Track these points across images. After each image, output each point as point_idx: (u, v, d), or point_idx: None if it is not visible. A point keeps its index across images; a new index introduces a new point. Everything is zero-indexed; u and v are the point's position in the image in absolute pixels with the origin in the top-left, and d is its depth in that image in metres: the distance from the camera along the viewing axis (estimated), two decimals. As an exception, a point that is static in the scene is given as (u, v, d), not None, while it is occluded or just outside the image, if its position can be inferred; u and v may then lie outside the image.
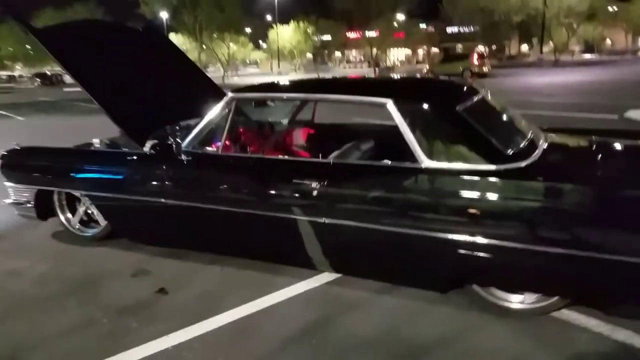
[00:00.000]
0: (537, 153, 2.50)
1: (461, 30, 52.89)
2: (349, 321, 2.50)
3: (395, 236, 2.46)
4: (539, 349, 2.21)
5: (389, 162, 2.62)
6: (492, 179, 2.29)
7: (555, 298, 2.37)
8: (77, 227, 3.81)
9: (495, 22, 40.33)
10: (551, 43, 40.62)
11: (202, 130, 3.10)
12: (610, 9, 44.04)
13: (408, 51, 63.41)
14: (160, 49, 4.71)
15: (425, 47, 60.87)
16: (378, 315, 2.53)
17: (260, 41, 54.89)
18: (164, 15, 31.34)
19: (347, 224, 2.58)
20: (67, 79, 47.24)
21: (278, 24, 49.08)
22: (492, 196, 2.28)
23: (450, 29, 53.99)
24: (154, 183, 3.15)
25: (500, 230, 2.24)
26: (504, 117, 2.94)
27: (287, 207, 2.72)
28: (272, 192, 2.81)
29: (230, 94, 3.12)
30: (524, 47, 58.67)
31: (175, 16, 29.41)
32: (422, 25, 56.35)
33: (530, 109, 10.63)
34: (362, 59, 55.76)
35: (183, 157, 3.08)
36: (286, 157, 3.32)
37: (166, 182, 3.12)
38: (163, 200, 3.11)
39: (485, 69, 25.07)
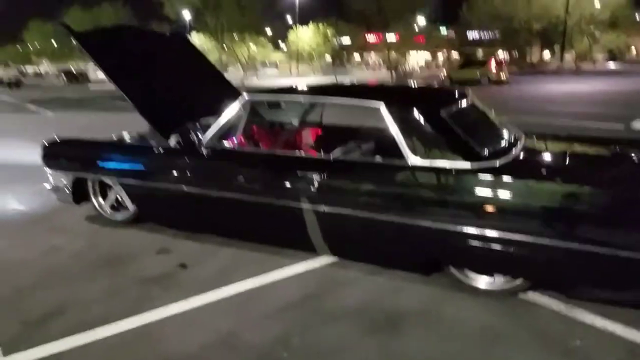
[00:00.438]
0: (512, 154, 2.85)
1: (482, 35, 52.73)
2: (340, 295, 2.89)
3: (384, 223, 2.84)
4: (503, 321, 2.56)
5: (380, 159, 3.02)
6: (468, 175, 2.65)
7: (520, 280, 2.73)
8: (107, 211, 4.28)
9: (515, 29, 40.17)
10: (573, 51, 40.34)
11: (221, 127, 3.51)
12: (633, 17, 43.47)
13: (428, 55, 63.34)
14: (184, 52, 5.18)
15: (445, 51, 60.74)
16: (366, 291, 2.92)
17: (280, 42, 55.58)
18: (186, 15, 32.04)
19: (343, 212, 2.96)
20: (92, 76, 48.60)
21: (298, 26, 49.73)
22: (467, 190, 2.64)
23: (470, 35, 53.86)
24: (178, 173, 3.58)
25: (472, 220, 2.60)
26: (486, 122, 3.31)
27: (292, 196, 3.12)
28: (280, 183, 3.20)
29: (245, 96, 3.54)
30: (546, 55, 58.16)
31: (198, 17, 30.15)
32: (443, 30, 56.34)
33: (541, 116, 10.86)
34: (382, 62, 55.89)
35: (203, 151, 3.51)
36: (293, 153, 3.72)
37: (188, 173, 3.55)
38: (185, 188, 3.54)
39: (503, 76, 24.99)
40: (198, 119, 4.11)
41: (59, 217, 4.45)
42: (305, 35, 49.69)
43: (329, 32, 49.06)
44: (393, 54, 39.47)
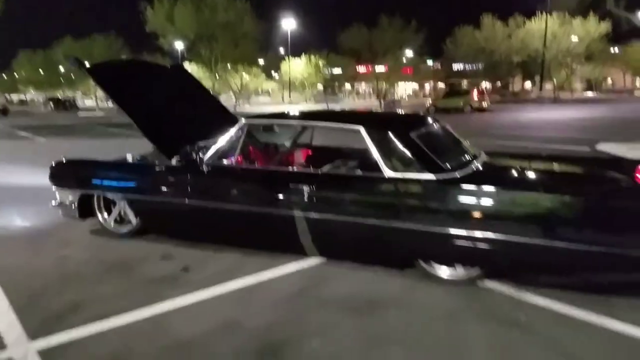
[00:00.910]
0: (472, 167, 3.38)
1: (466, 67, 54.69)
2: (328, 287, 3.32)
3: (365, 226, 3.32)
4: (462, 303, 3.03)
5: (361, 173, 3.52)
6: (433, 185, 3.15)
7: (477, 270, 3.22)
8: (112, 225, 4.65)
9: (497, 61, 41.90)
10: (553, 81, 42.03)
11: (221, 147, 3.97)
12: (608, 50, 45.58)
13: (415, 85, 65.20)
14: (184, 82, 5.69)
15: (432, 82, 62.63)
16: (350, 284, 3.36)
17: (273, 72, 56.91)
18: (179, 46, 32.76)
19: (330, 218, 3.43)
20: (80, 103, 49.02)
21: (290, 57, 51.17)
22: (432, 197, 3.17)
23: (455, 66, 55.83)
24: (181, 188, 4.00)
25: (437, 221, 3.10)
26: (450, 142, 3.88)
27: (285, 206, 3.57)
28: (274, 195, 3.65)
29: (243, 120, 4.02)
30: (528, 85, 60.30)
31: (192, 48, 30.98)
32: (430, 62, 58.28)
33: (515, 140, 11.54)
34: (372, 91, 57.39)
35: (204, 167, 3.94)
36: (286, 169, 4.17)
37: (190, 188, 3.97)
38: (187, 201, 3.95)
39: (484, 104, 26.14)
40: (197, 141, 4.54)
41: (65, 232, 4.79)
42: (297, 66, 51.15)
43: (321, 63, 50.56)
44: (382, 84, 40.79)
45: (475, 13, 45.84)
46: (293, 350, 2.56)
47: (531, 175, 3.61)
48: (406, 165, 3.26)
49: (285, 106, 37.64)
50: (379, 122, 3.85)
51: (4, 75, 71.69)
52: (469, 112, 25.38)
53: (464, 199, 3.07)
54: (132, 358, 2.53)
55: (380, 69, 40.80)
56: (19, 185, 7.25)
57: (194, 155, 4.13)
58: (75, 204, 4.58)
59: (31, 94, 71.54)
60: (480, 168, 3.45)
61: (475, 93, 26.90)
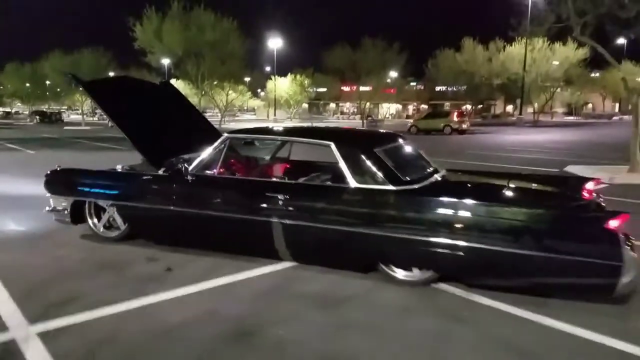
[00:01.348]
0: (431, 180, 3.83)
1: (448, 89, 56.10)
2: (299, 287, 3.70)
3: (333, 231, 3.72)
4: (416, 302, 3.42)
5: (330, 183, 3.93)
6: (392, 195, 3.58)
7: (431, 273, 3.62)
8: (101, 230, 4.98)
9: (477, 84, 43.13)
10: (534, 104, 43.35)
11: (204, 159, 4.37)
12: (587, 75, 47.26)
13: (399, 106, 66.51)
14: (172, 99, 6.10)
15: (415, 103, 63.98)
16: (319, 284, 3.74)
17: (259, 89, 57.63)
18: (165, 62, 33.13)
19: (302, 224, 3.82)
20: (65, 117, 48.95)
21: (276, 76, 52.07)
22: (391, 205, 3.59)
23: (438, 88, 57.21)
24: (166, 196, 4.37)
25: (395, 227, 3.52)
26: (413, 158, 4.35)
27: (262, 213, 3.96)
28: (253, 203, 4.05)
29: (225, 134, 4.45)
30: (509, 107, 61.98)
31: (179, 65, 31.41)
32: (413, 83, 59.68)
33: (488, 161, 12.11)
34: (355, 110, 58.41)
35: (189, 177, 4.33)
36: (264, 179, 4.58)
37: (175, 196, 4.34)
38: (172, 208, 4.32)
39: (464, 126, 26.93)
40: (183, 154, 4.93)
41: (58, 236, 5.10)
42: (283, 84, 52.06)
43: (306, 81, 51.52)
44: (366, 104, 41.74)
45: (456, 37, 47.39)
46: (263, 336, 2.92)
47: (482, 188, 4.08)
48: (370, 177, 3.70)
49: (268, 123, 38.27)
50: (348, 139, 4.32)
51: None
52: (449, 133, 26.16)
53: (420, 208, 3.50)
54: (123, 339, 2.87)
55: (365, 88, 41.84)
56: (13, 194, 7.53)
57: (180, 166, 4.51)
58: (68, 209, 4.91)
59: (17, 107, 71.05)
60: (439, 182, 3.91)
61: (455, 115, 27.75)
